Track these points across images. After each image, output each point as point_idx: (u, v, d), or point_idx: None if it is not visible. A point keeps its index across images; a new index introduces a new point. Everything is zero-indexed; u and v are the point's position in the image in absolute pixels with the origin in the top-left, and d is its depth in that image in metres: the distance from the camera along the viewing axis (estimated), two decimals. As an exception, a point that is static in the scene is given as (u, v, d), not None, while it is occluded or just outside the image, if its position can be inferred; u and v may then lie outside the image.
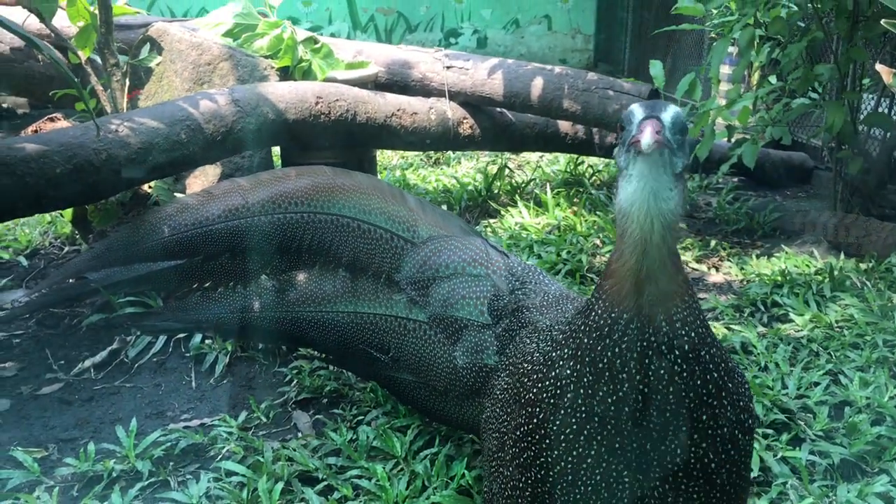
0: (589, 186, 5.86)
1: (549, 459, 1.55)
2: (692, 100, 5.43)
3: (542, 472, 1.57)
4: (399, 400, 2.85)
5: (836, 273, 4.14)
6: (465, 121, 5.04)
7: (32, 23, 4.14)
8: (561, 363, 1.57)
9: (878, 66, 3.43)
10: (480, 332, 2.26)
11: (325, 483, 2.56)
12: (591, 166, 6.43)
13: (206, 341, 3.39)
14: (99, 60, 4.01)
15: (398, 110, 4.66)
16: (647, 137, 1.34)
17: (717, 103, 5.18)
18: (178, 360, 3.36)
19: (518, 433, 1.65)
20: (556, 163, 6.66)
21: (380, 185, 2.70)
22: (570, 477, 1.52)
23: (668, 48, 10.98)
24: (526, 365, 1.72)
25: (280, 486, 2.48)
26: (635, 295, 1.43)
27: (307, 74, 4.55)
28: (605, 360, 1.46)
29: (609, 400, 1.46)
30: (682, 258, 4.40)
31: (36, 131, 3.81)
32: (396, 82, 5.01)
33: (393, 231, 2.52)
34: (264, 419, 2.98)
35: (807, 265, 4.39)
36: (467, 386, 2.30)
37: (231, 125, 3.80)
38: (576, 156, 6.24)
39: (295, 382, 3.21)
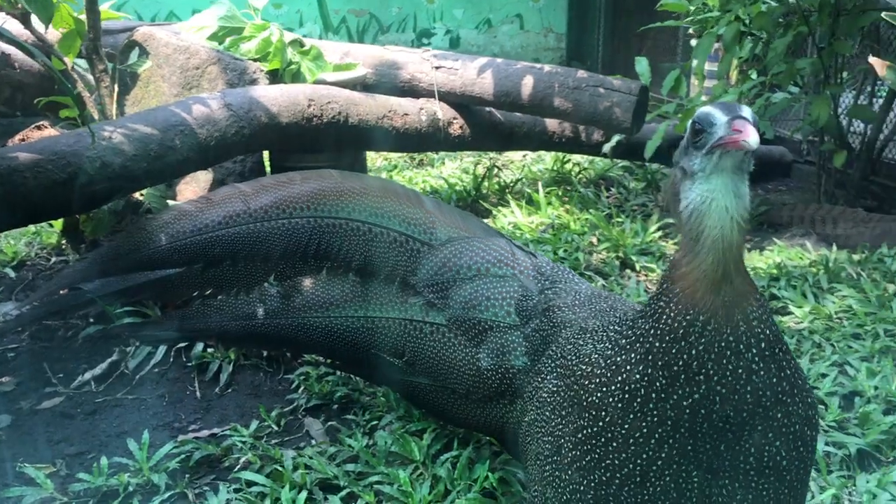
0: (577, 184, 5.87)
1: (616, 462, 1.53)
2: (678, 95, 5.48)
3: (608, 475, 1.55)
4: (414, 405, 2.82)
5: (831, 265, 4.18)
6: (454, 121, 5.02)
7: (12, 27, 4.03)
8: (629, 368, 1.54)
9: (872, 59, 3.47)
10: (507, 333, 2.23)
11: (347, 490, 2.52)
12: (577, 164, 6.44)
13: (209, 350, 3.32)
14: (80, 66, 3.93)
15: (389, 111, 4.63)
16: (752, 136, 1.35)
17: (701, 99, 5.22)
18: (180, 370, 3.29)
19: (579, 436, 1.62)
20: (542, 161, 6.66)
21: (393, 188, 2.66)
22: (637, 479, 1.50)
23: (641, 46, 11.06)
24: (585, 367, 1.70)
25: (304, 495, 2.44)
26: (712, 296, 1.42)
27: (297, 77, 4.50)
28: (681, 364, 1.44)
29: (684, 403, 1.45)
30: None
31: (23, 139, 3.72)
32: (385, 83, 4.97)
33: (408, 234, 2.49)
34: (276, 427, 2.93)
35: (800, 258, 4.43)
36: (491, 388, 2.27)
37: (224, 129, 3.74)
38: (562, 154, 6.25)
39: (303, 389, 3.16)
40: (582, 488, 1.61)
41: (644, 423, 1.49)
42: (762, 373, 1.44)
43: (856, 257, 4.38)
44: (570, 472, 1.65)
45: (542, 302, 2.19)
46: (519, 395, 2.17)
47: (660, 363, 1.47)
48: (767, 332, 1.45)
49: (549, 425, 1.80)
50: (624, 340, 1.61)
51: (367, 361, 2.65)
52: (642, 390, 1.50)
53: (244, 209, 2.64)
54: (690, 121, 1.48)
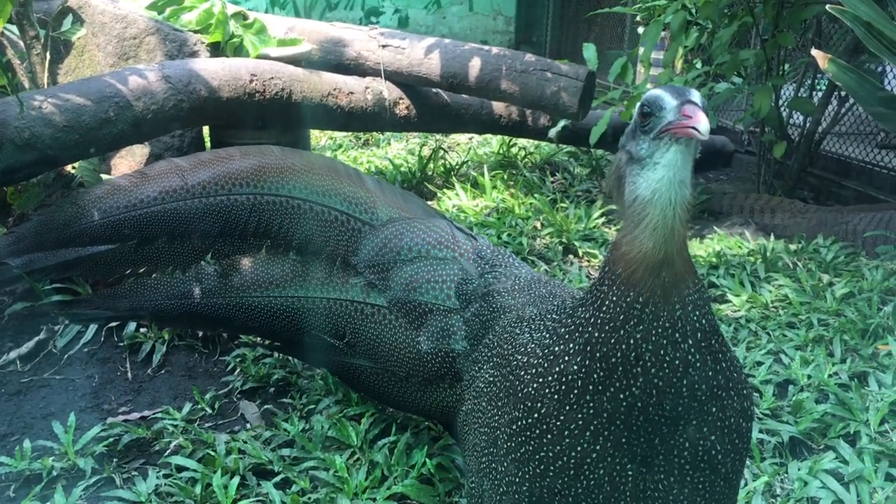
0: (522, 168, 5.86)
1: (551, 454, 1.50)
2: (624, 83, 5.49)
3: (542, 467, 1.52)
4: (353, 388, 2.78)
5: (768, 254, 4.25)
6: (401, 101, 4.96)
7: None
8: (566, 359, 1.51)
9: (814, 52, 3.49)
10: (447, 317, 2.20)
11: (282, 476, 2.47)
12: (524, 148, 6.43)
13: (141, 330, 3.23)
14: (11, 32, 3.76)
15: (334, 89, 4.54)
16: (703, 123, 1.31)
17: (647, 87, 5.23)
18: (111, 350, 3.19)
19: (514, 427, 1.59)
20: (488, 144, 6.64)
21: (334, 166, 2.60)
22: (571, 472, 1.48)
23: (589, 32, 11.10)
24: (521, 357, 1.67)
25: (236, 480, 2.38)
26: (651, 277, 1.40)
27: (239, 51, 4.38)
28: (619, 355, 1.42)
29: (620, 396, 1.42)
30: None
31: (-54, 107, 3.54)
32: (330, 60, 4.88)
33: (349, 213, 2.44)
34: (209, 410, 2.86)
35: (739, 247, 4.49)
36: (432, 371, 2.24)
37: (162, 103, 3.63)
38: (508, 138, 6.23)
39: (239, 371, 3.09)
40: (517, 480, 1.59)
41: (580, 416, 1.47)
42: (698, 365, 1.42)
43: (792, 247, 4.46)
44: (505, 464, 1.62)
45: (481, 286, 2.16)
46: (459, 379, 2.15)
47: (598, 354, 1.45)
48: (703, 321, 1.43)
49: (486, 416, 1.77)
50: (563, 329, 1.58)
51: (307, 343, 2.59)
52: (579, 381, 1.47)
53: (181, 185, 2.55)
54: (639, 103, 1.45)
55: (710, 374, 1.44)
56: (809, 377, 3.03)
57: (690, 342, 1.41)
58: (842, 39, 5.59)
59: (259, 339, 3.15)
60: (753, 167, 6.06)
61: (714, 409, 1.46)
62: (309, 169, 2.53)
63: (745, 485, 2.44)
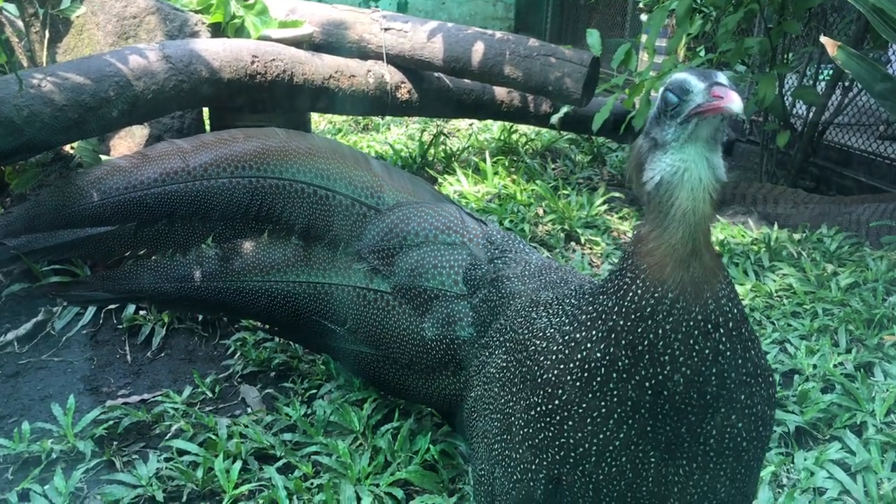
0: (523, 155, 5.82)
1: (572, 441, 1.47)
2: (627, 69, 5.45)
3: (562, 454, 1.49)
4: (356, 374, 2.75)
5: (772, 244, 4.22)
6: (402, 85, 4.91)
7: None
8: (589, 346, 1.47)
9: (823, 39, 3.47)
10: (453, 303, 2.17)
11: (284, 461, 2.44)
12: (524, 135, 6.40)
13: (141, 313, 3.19)
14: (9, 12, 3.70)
15: (336, 72, 4.49)
16: (736, 100, 1.28)
17: (650, 74, 5.19)
18: (110, 332, 3.16)
19: (533, 413, 1.56)
20: (489, 130, 6.60)
21: (340, 149, 2.56)
22: (593, 459, 1.45)
23: (589, 20, 11.06)
24: (539, 343, 1.63)
25: (238, 464, 2.35)
26: (681, 272, 1.36)
27: (240, 32, 4.32)
28: (646, 343, 1.38)
29: (646, 384, 1.39)
30: (620, 229, 4.43)
31: (-57, 85, 3.48)
32: (332, 43, 4.81)
33: (354, 197, 2.40)
34: (210, 394, 2.83)
35: (743, 235, 4.47)
36: (435, 359, 2.21)
37: (162, 83, 3.57)
38: (509, 124, 6.19)
39: (239, 355, 3.06)
40: (534, 467, 1.56)
41: (603, 403, 1.44)
42: (728, 353, 1.39)
43: (796, 237, 4.44)
44: (521, 451, 1.59)
45: (490, 271, 2.12)
46: (463, 367, 2.12)
47: (623, 342, 1.41)
48: (735, 310, 1.40)
49: (498, 402, 1.74)
50: (584, 316, 1.53)
51: (308, 328, 2.57)
52: (603, 369, 1.44)
53: (182, 166, 2.51)
54: (662, 89, 1.41)
55: (740, 362, 1.41)
56: (815, 367, 3.01)
57: (722, 331, 1.38)
58: (845, 29, 5.55)
59: (260, 323, 3.13)
60: (755, 156, 6.04)
61: (742, 397, 1.43)
62: (313, 152, 2.49)
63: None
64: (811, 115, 5.42)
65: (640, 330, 1.39)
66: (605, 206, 4.78)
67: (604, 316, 1.47)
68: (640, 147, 1.46)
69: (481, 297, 2.10)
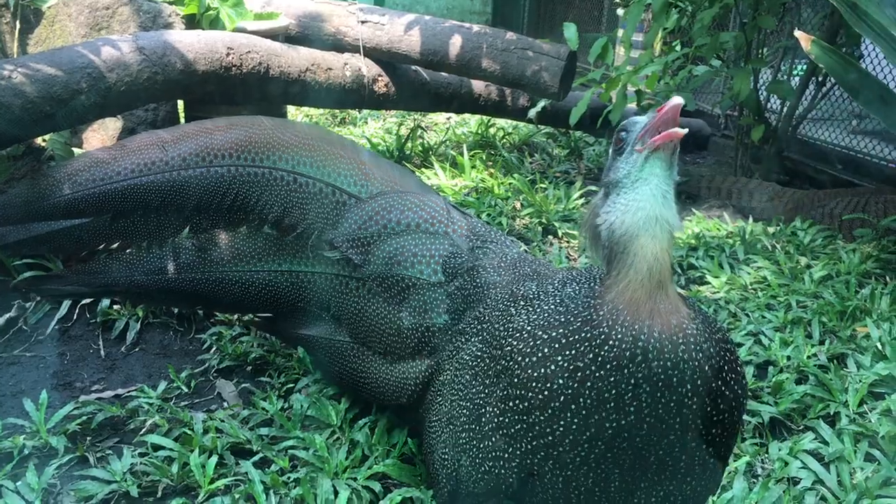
0: (501, 149, 5.82)
1: (541, 442, 1.48)
2: (604, 64, 5.47)
3: (533, 444, 1.50)
4: (329, 371, 2.71)
5: (747, 237, 4.26)
6: (380, 78, 4.89)
7: None
8: (553, 368, 1.46)
9: (797, 33, 3.50)
10: (430, 290, 2.17)
11: (261, 455, 2.43)
12: (502, 128, 6.40)
13: (115, 307, 3.15)
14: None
15: (312, 65, 4.46)
16: (676, 103, 1.29)
17: (627, 68, 5.21)
18: (83, 327, 3.12)
19: (508, 405, 1.56)
20: (466, 124, 6.60)
21: (328, 138, 2.53)
22: (559, 460, 1.47)
23: (566, 14, 11.07)
24: (515, 343, 1.60)
25: (214, 459, 2.33)
26: (651, 304, 1.35)
27: (215, 24, 4.29)
28: (614, 392, 1.37)
29: (607, 425, 1.39)
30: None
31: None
32: (308, 36, 4.79)
33: (336, 185, 2.38)
34: (185, 389, 2.80)
35: (718, 228, 4.50)
36: (410, 347, 2.20)
37: (136, 75, 3.53)
38: (487, 118, 6.19)
39: (215, 349, 3.03)
40: (507, 456, 1.56)
41: (562, 422, 1.44)
42: (694, 406, 1.39)
43: (771, 230, 4.47)
44: (494, 439, 1.59)
45: (469, 261, 2.13)
46: (435, 353, 2.11)
47: (588, 383, 1.40)
48: (706, 363, 1.38)
49: (469, 390, 1.73)
50: (555, 333, 1.51)
51: (285, 318, 2.55)
52: (562, 398, 1.44)
53: (161, 157, 2.48)
54: (613, 136, 1.43)
55: (710, 410, 1.42)
56: (789, 358, 3.04)
57: (689, 387, 1.37)
58: (819, 24, 5.61)
59: (237, 314, 3.11)
60: (730, 150, 6.08)
61: (714, 431, 1.44)
62: (298, 142, 2.46)
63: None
64: (785, 109, 5.47)
65: (612, 379, 1.37)
66: (582, 200, 4.79)
67: (571, 348, 1.45)
68: (595, 205, 1.48)
69: (457, 286, 2.10)
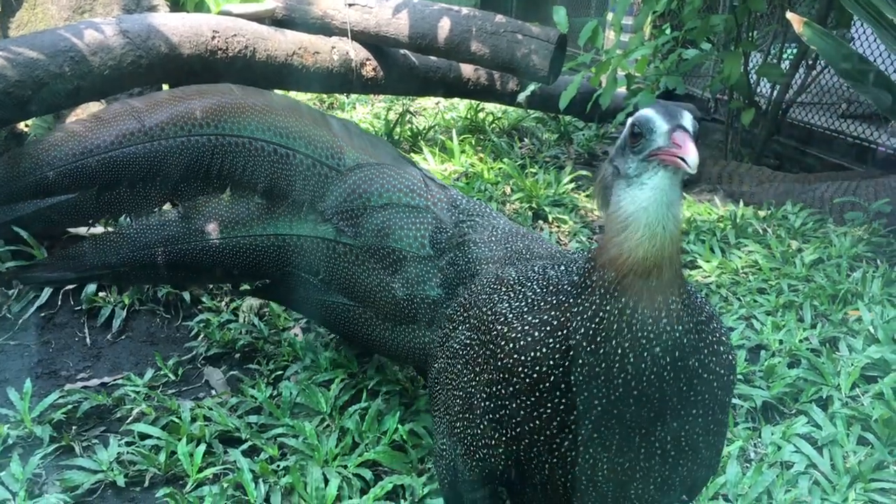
0: (490, 133, 5.78)
1: (526, 428, 1.47)
2: (594, 47, 5.43)
3: (518, 431, 1.48)
4: (333, 329, 2.68)
5: (738, 221, 4.24)
6: (368, 62, 4.83)
7: None
8: (544, 350, 1.45)
9: (789, 15, 3.47)
10: (421, 264, 2.15)
11: (249, 443, 2.40)
12: (491, 113, 6.35)
13: (100, 294, 3.11)
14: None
15: (300, 49, 4.41)
16: (692, 155, 1.25)
17: (616, 52, 5.17)
18: (68, 314, 3.07)
19: (493, 390, 1.54)
20: (455, 109, 6.55)
21: (297, 107, 2.48)
22: (545, 447, 1.45)
23: (555, -2, 10.99)
24: (500, 328, 1.58)
25: (202, 448, 2.30)
26: (641, 281, 1.33)
27: (200, 6, 4.23)
28: (604, 366, 1.35)
29: (595, 401, 1.37)
30: (588, 207, 4.41)
31: None
32: (295, 19, 4.72)
33: (314, 157, 2.34)
34: (173, 377, 2.77)
35: (709, 213, 4.49)
36: (407, 315, 2.19)
37: (119, 58, 3.47)
38: (476, 102, 6.14)
39: (203, 337, 2.99)
40: (493, 443, 1.55)
41: (549, 405, 1.42)
42: (684, 373, 1.38)
43: (761, 214, 4.46)
44: (482, 426, 1.57)
45: (457, 235, 2.11)
46: (433, 323, 2.10)
47: (579, 361, 1.38)
48: (687, 335, 1.37)
49: (461, 379, 1.71)
50: (545, 316, 1.49)
51: (284, 282, 2.51)
52: (552, 378, 1.42)
53: (139, 127, 2.42)
54: (630, 122, 1.38)
55: (699, 371, 1.40)
56: (781, 342, 3.03)
57: (679, 352, 1.36)
58: (809, 7, 5.58)
59: (230, 285, 3.07)
60: (720, 135, 6.05)
61: (699, 404, 1.43)
62: (270, 109, 2.42)
63: (721, 449, 2.43)
64: (775, 93, 5.45)
65: (601, 351, 1.36)
66: (572, 185, 4.76)
67: (562, 326, 1.44)
68: (605, 172, 1.44)
69: (448, 260, 2.09)
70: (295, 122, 2.38)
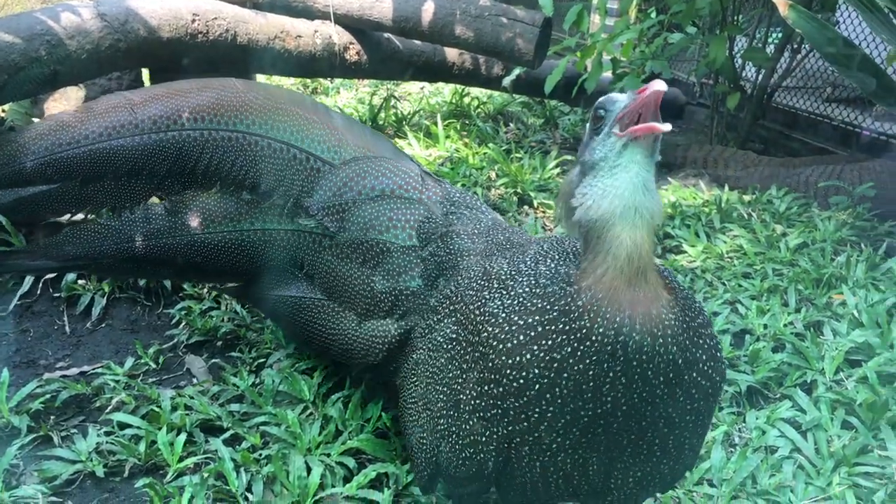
0: (475, 118, 5.75)
1: (516, 428, 1.46)
2: (580, 31, 5.39)
3: (509, 430, 1.47)
4: (296, 335, 2.65)
5: (723, 205, 4.23)
6: (351, 46, 4.78)
7: None
8: (529, 357, 1.42)
9: (774, -2, 3.43)
10: (404, 254, 2.12)
11: (231, 432, 2.37)
12: (476, 98, 6.32)
13: (80, 282, 3.06)
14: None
15: (281, 32, 4.35)
16: (659, 86, 1.23)
17: (601, 36, 5.14)
18: (47, 303, 3.03)
19: (483, 389, 1.52)
20: (440, 94, 6.50)
21: (302, 101, 2.45)
22: (534, 446, 1.45)
23: (541, -19, 10.91)
24: (489, 328, 1.56)
25: (182, 437, 2.27)
26: (630, 292, 1.30)
27: (180, -11, 4.14)
28: (591, 384, 1.34)
29: (582, 412, 1.36)
30: (573, 191, 4.38)
31: None
32: (276, 2, 4.65)
33: (310, 151, 2.30)
34: (153, 365, 2.74)
35: (694, 197, 4.48)
36: (383, 309, 2.15)
37: (97, 42, 3.41)
38: (461, 87, 6.10)
39: (184, 324, 2.96)
40: (484, 440, 1.53)
41: (537, 410, 1.41)
42: (666, 397, 1.37)
43: (746, 198, 4.46)
44: (472, 423, 1.56)
45: (442, 226, 2.09)
46: (406, 317, 2.07)
47: (565, 375, 1.36)
48: (677, 349, 1.35)
49: (445, 375, 1.69)
50: (532, 320, 1.46)
51: (261, 280, 2.47)
52: (537, 386, 1.41)
53: (131, 120, 2.38)
54: (591, 111, 1.36)
55: (683, 399, 1.40)
56: (765, 326, 3.03)
57: (662, 378, 1.35)
58: (794, -8, 5.55)
59: (206, 289, 3.03)
60: (705, 119, 6.05)
61: (688, 408, 1.42)
62: (271, 105, 2.38)
63: (705, 434, 2.43)
64: (760, 77, 5.44)
65: (591, 372, 1.34)
66: (557, 170, 4.74)
67: (550, 342, 1.41)
68: (570, 181, 1.41)
69: (430, 251, 2.07)
70: (296, 119, 2.34)
